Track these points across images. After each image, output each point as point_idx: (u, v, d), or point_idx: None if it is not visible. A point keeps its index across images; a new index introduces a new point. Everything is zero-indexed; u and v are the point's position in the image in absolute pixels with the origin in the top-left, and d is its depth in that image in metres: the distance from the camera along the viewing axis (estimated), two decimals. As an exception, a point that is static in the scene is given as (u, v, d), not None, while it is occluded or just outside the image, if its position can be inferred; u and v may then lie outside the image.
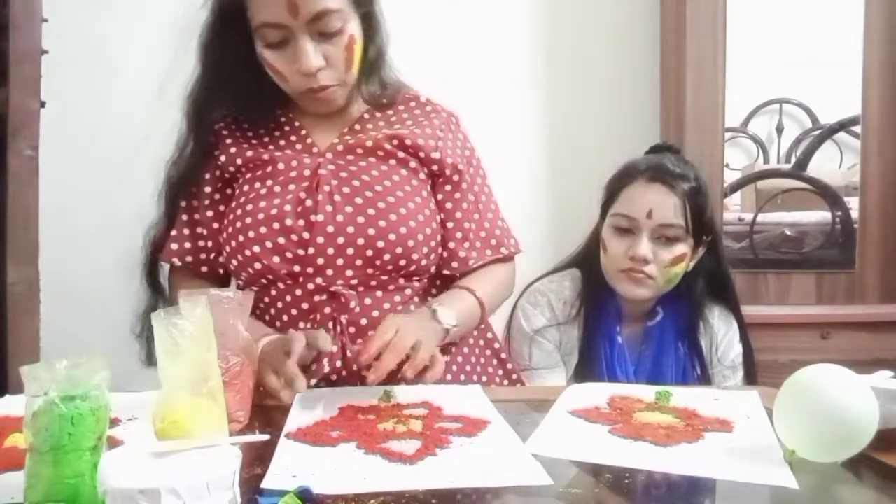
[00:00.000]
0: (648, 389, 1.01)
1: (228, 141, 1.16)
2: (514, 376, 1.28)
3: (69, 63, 1.81)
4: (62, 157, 1.77)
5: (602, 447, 0.79)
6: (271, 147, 1.15)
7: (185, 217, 1.17)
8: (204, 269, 1.17)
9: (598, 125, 2.15)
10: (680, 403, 0.95)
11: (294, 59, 1.05)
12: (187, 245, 1.16)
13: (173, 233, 1.17)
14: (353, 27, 1.08)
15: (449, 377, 1.14)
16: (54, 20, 1.37)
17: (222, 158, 1.15)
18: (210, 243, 1.16)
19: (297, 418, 0.89)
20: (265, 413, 0.93)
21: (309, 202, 1.07)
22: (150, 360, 1.13)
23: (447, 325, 1.04)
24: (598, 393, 1.00)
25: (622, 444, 0.81)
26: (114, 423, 0.85)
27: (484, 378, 1.21)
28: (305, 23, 1.03)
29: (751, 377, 1.39)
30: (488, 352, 1.25)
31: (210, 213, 1.16)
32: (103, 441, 0.61)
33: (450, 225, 1.18)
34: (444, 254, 1.17)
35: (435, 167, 1.16)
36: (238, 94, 1.14)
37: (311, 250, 1.06)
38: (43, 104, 1.34)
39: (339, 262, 1.06)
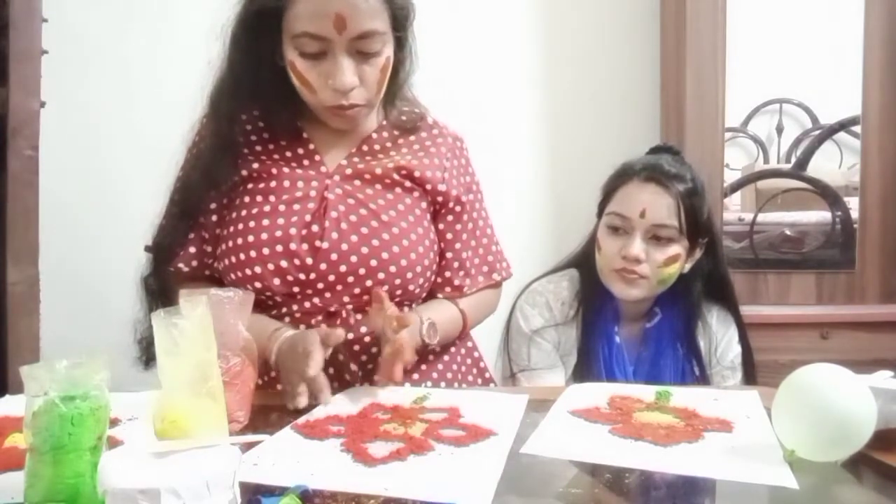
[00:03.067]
0: (648, 389, 1.01)
1: (242, 148, 1.13)
2: (492, 385, 1.29)
3: (69, 63, 1.81)
4: (62, 157, 1.77)
5: (602, 447, 0.79)
6: (279, 160, 1.12)
7: (191, 221, 1.14)
8: (207, 272, 1.14)
9: (598, 125, 2.15)
10: (680, 403, 0.95)
11: (328, 74, 1.03)
12: (192, 249, 1.13)
13: (189, 237, 1.13)
14: (389, 50, 1.07)
15: (429, 384, 1.15)
16: (54, 20, 1.36)
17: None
18: (211, 248, 1.13)
19: (319, 411, 0.92)
20: (265, 413, 0.93)
21: (315, 227, 1.06)
22: (147, 364, 1.12)
23: (429, 342, 1.08)
24: (598, 393, 1.00)
25: (622, 444, 0.81)
26: (114, 423, 0.85)
27: (464, 386, 1.21)
28: (348, 40, 1.01)
29: (750, 378, 1.39)
30: (469, 360, 1.26)
31: (215, 218, 1.13)
32: (103, 441, 0.61)
33: (448, 255, 1.18)
34: (439, 279, 1.18)
35: (440, 198, 1.16)
36: (262, 95, 1.10)
37: (312, 275, 1.06)
38: (43, 104, 1.34)
39: (339, 287, 1.07)
